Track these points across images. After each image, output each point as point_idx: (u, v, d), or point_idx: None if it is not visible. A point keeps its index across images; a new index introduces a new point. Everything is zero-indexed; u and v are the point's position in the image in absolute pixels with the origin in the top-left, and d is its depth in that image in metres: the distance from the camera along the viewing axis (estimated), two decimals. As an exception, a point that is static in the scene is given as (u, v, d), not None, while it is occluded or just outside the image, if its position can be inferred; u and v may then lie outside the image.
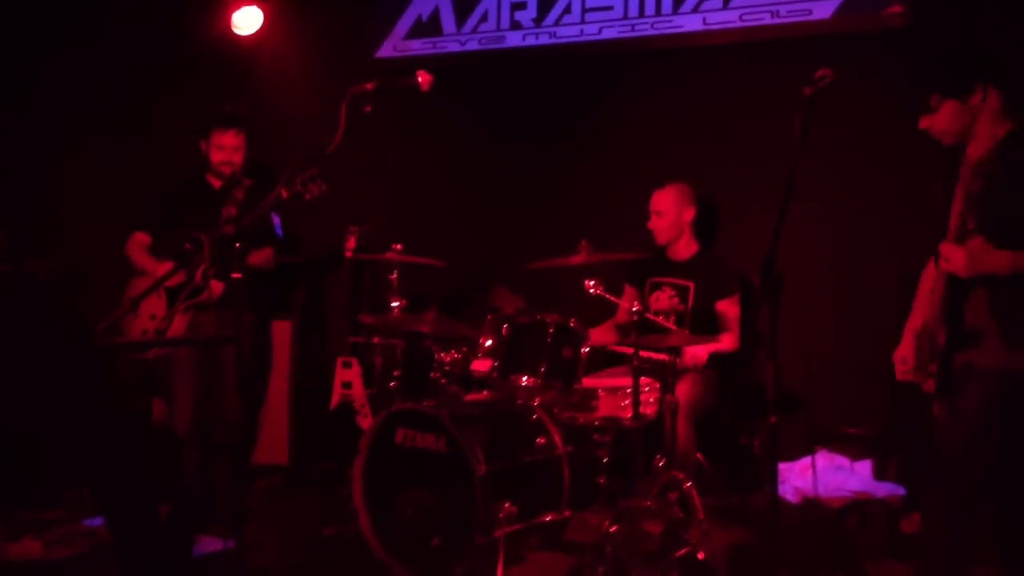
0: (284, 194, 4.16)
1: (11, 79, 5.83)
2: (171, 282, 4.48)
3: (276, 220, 4.88)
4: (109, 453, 4.58)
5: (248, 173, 4.82)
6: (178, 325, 4.50)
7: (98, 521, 4.37)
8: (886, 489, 4.30)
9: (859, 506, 4.20)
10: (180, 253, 4.39)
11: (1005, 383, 3.01)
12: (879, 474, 4.42)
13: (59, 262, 5.33)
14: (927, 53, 3.36)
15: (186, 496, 4.39)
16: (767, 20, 4.99)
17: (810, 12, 4.87)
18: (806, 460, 4.36)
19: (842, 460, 4.45)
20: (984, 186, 3.01)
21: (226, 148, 4.77)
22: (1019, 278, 2.96)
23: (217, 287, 4.50)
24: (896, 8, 4.64)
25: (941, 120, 3.16)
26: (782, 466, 4.35)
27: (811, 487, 4.21)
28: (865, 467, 4.41)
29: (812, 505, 4.15)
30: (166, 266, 4.58)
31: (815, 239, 4.78)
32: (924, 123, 3.20)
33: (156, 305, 4.58)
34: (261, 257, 4.77)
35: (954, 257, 3.03)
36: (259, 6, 5.91)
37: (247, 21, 5.93)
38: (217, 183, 4.84)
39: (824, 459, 4.44)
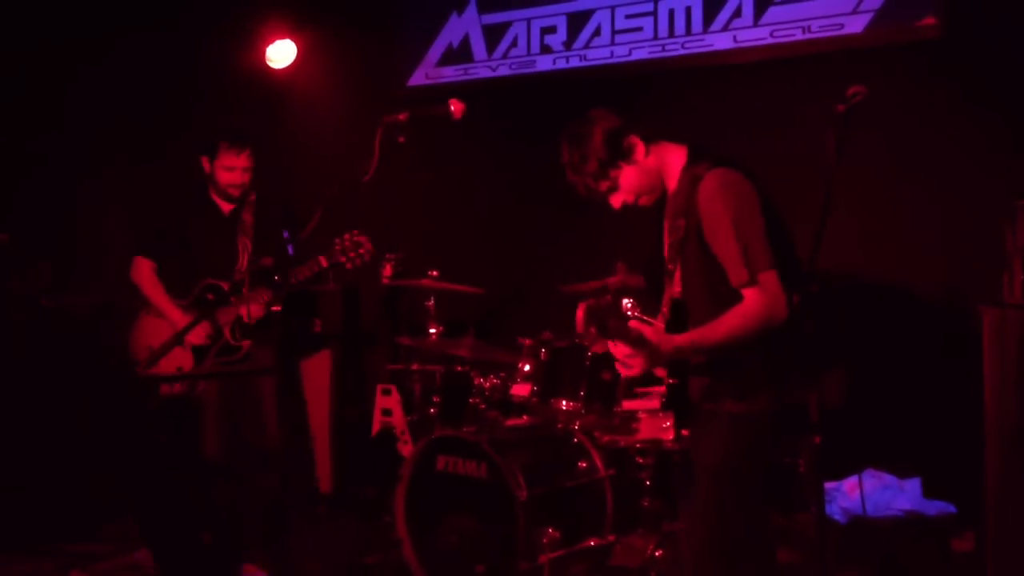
0: (324, 263, 4.15)
1: (45, 123, 5.93)
2: (193, 336, 4.17)
3: (286, 235, 4.23)
4: (151, 482, 4.64)
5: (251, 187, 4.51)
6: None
7: (144, 553, 4.41)
8: (936, 507, 4.21)
9: (908, 525, 4.12)
10: (201, 301, 4.27)
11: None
12: (929, 492, 4.33)
13: (98, 295, 5.41)
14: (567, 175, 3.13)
15: (228, 527, 4.39)
16: (798, 36, 4.96)
17: (842, 26, 4.83)
18: (853, 479, 4.28)
19: (890, 478, 4.37)
20: (681, 225, 2.93)
21: (236, 169, 4.34)
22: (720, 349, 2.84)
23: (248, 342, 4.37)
24: (930, 20, 4.59)
25: (628, 188, 3.02)
26: (828, 485, 4.27)
27: (859, 507, 4.14)
28: (915, 485, 4.32)
29: (860, 525, 4.08)
30: (186, 318, 4.23)
31: (853, 253, 4.72)
32: (617, 201, 3.05)
33: (181, 356, 4.29)
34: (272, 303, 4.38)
35: (633, 363, 2.92)
36: (293, 39, 6.00)
37: (281, 54, 6.02)
38: (227, 206, 4.47)
39: (872, 478, 4.36)
